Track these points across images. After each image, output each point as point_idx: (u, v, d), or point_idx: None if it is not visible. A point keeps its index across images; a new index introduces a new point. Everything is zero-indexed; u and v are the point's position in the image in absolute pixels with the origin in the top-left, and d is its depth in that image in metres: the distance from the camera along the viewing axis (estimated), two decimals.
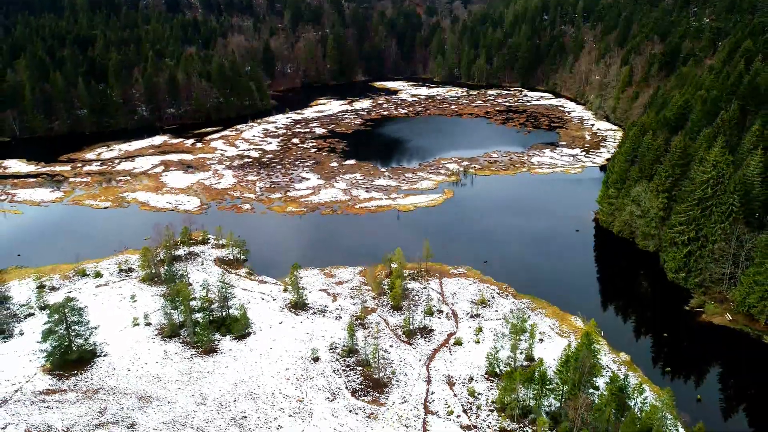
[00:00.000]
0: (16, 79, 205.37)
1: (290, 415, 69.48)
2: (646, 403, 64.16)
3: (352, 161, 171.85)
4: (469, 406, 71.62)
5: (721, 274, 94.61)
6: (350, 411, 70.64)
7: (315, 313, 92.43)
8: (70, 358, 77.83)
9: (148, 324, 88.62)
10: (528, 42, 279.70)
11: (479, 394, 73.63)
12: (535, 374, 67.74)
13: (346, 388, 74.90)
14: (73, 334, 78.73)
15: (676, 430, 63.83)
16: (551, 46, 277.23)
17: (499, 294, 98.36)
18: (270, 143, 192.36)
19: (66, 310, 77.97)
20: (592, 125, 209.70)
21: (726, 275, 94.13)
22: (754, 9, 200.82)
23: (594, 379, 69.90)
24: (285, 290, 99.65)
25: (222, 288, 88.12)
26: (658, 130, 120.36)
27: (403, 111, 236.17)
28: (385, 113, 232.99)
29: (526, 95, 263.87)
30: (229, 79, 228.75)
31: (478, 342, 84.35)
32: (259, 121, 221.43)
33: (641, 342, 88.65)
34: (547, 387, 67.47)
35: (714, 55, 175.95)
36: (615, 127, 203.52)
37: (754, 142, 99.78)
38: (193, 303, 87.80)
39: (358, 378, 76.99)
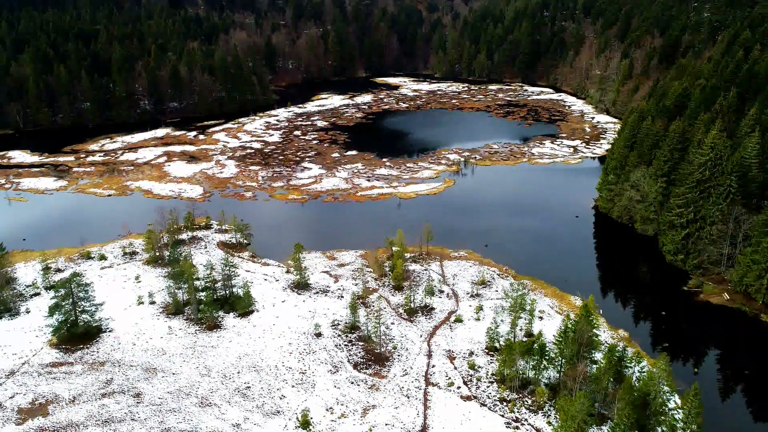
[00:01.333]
0: (20, 72, 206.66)
1: (293, 386, 70.62)
2: (644, 371, 65.18)
3: (354, 152, 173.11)
4: (469, 378, 72.70)
5: (719, 255, 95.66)
6: (352, 383, 71.75)
7: (317, 292, 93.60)
8: (76, 332, 79.04)
9: (152, 302, 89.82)
10: (528, 38, 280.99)
11: (479, 367, 74.70)
12: (534, 346, 68.80)
13: (348, 361, 76.04)
14: (79, 309, 79.92)
15: (673, 398, 64.77)
16: (552, 41, 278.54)
17: (499, 275, 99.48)
18: (272, 135, 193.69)
19: (72, 286, 79.15)
20: (593, 118, 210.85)
21: (724, 256, 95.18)
22: (754, 2, 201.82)
23: (592, 352, 70.90)
24: (287, 272, 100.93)
25: (226, 266, 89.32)
26: (657, 116, 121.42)
27: (404, 105, 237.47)
28: (387, 107, 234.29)
29: (526, 90, 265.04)
30: (231, 73, 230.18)
31: (479, 320, 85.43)
32: (261, 114, 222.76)
33: (639, 321, 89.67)
34: (546, 358, 68.51)
35: (713, 46, 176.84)
36: (615, 120, 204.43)
37: (751, 125, 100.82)
38: (196, 283, 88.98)
39: (360, 352, 78.13)
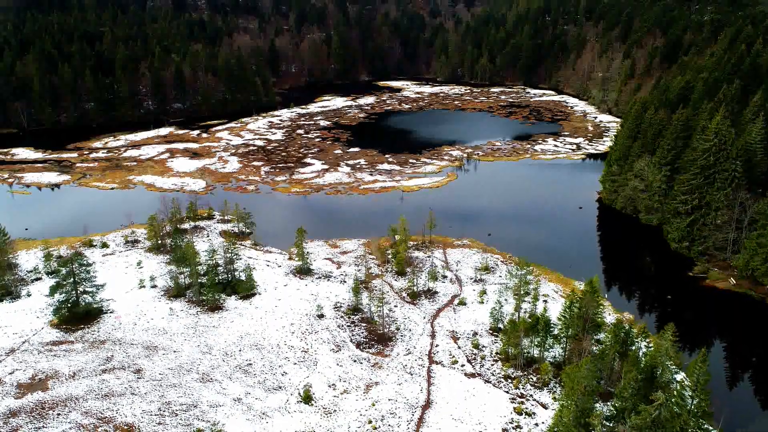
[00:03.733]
0: (24, 71, 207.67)
1: (295, 364, 69.92)
2: (650, 347, 64.32)
3: (356, 149, 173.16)
4: (473, 356, 71.92)
5: (724, 240, 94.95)
6: (355, 361, 71.01)
7: (320, 277, 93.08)
8: (77, 312, 78.54)
9: (154, 286, 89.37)
10: (530, 41, 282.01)
11: (483, 346, 73.95)
12: (539, 323, 68.03)
13: (351, 341, 75.34)
14: (80, 289, 79.49)
15: (680, 374, 63.89)
16: (553, 44, 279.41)
17: (502, 262, 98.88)
18: (275, 134, 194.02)
19: (74, 266, 78.78)
20: (595, 118, 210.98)
21: (729, 241, 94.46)
22: (756, 2, 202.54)
23: (597, 331, 70.06)
24: (290, 258, 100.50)
25: (228, 249, 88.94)
26: (660, 108, 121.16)
27: (407, 106, 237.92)
28: (389, 108, 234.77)
29: (528, 92, 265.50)
30: (234, 74, 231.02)
31: (482, 302, 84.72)
32: (264, 114, 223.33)
33: (644, 306, 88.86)
34: (551, 333, 67.75)
35: (715, 44, 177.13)
36: (617, 119, 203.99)
37: (755, 112, 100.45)
38: (198, 268, 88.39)
39: (362, 332, 77.45)
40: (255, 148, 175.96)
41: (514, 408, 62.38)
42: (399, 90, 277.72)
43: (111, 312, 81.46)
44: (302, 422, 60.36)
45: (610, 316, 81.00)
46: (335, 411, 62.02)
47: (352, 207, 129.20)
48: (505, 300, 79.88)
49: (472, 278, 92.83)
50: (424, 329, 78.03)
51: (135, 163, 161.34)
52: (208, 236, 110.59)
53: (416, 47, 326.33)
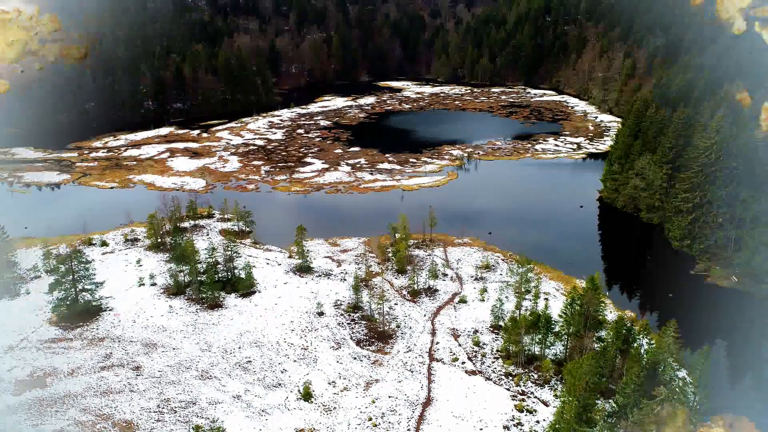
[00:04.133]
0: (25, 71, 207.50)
1: (295, 361, 69.59)
2: (652, 343, 63.99)
3: (357, 148, 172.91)
4: (474, 354, 71.59)
5: (726, 238, 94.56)
6: (355, 358, 70.69)
7: (320, 275, 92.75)
8: (76, 310, 78.21)
9: (153, 284, 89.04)
10: (531, 42, 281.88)
11: (484, 344, 73.62)
12: (540, 319, 67.70)
13: (351, 338, 75.02)
14: (79, 287, 79.18)
15: (682, 372, 63.55)
16: (554, 45, 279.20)
17: (503, 260, 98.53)
18: (275, 133, 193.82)
19: (73, 263, 78.48)
20: (596, 117, 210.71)
21: (731, 239, 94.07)
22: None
23: (599, 328, 69.74)
24: (290, 257, 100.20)
25: (228, 247, 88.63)
26: (661, 106, 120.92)
27: (407, 106, 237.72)
28: (390, 108, 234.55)
29: (529, 92, 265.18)
30: (235, 74, 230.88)
31: (483, 300, 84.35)
32: (264, 114, 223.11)
33: (646, 304, 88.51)
34: (552, 331, 67.41)
35: (715, 44, 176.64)
36: (618, 119, 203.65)
37: (756, 109, 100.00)
38: (198, 266, 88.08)
39: (362, 330, 77.13)
40: (255, 147, 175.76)
41: (515, 405, 62.03)
42: (399, 90, 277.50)
43: (110, 309, 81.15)
44: (302, 419, 60.02)
45: (611, 314, 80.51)
46: (335, 408, 61.68)
47: (352, 206, 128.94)
48: (506, 297, 79.57)
49: (472, 276, 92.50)
50: (424, 327, 77.68)
51: (135, 163, 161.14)
52: (207, 234, 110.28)
53: (416, 47, 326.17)
